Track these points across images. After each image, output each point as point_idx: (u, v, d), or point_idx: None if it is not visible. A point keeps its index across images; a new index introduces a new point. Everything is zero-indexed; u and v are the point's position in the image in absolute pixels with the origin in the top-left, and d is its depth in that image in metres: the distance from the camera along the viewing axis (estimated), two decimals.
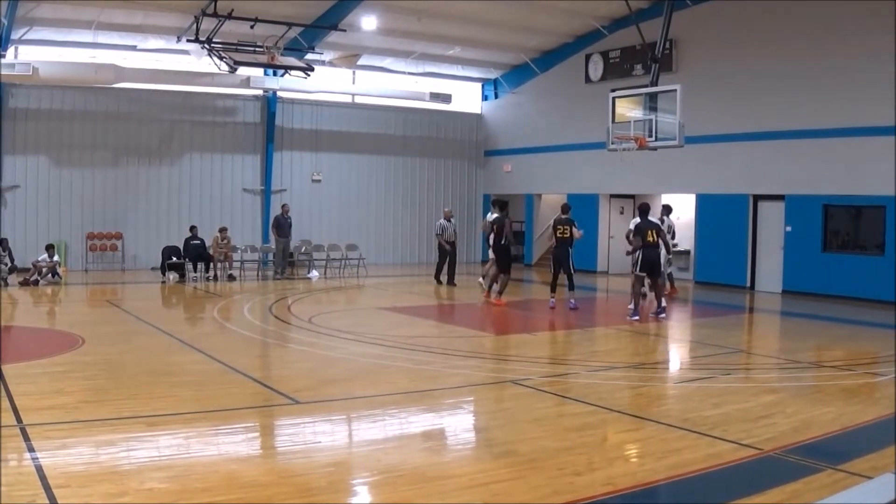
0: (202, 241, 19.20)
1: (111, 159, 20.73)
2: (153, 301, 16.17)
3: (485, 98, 26.45)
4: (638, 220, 13.52)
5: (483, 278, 16.38)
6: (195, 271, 19.09)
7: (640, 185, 20.48)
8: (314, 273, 20.67)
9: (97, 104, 20.36)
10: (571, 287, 14.34)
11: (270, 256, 21.32)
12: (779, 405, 7.53)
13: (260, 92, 22.02)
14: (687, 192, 19.63)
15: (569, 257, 14.21)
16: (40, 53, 19.35)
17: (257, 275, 20.28)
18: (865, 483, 4.97)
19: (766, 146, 17.74)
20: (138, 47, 20.52)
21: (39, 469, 5.26)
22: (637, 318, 13.01)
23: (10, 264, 17.23)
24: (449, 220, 19.00)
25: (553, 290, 14.43)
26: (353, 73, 23.63)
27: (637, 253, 13.10)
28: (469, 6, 19.30)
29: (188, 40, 17.75)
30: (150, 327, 11.95)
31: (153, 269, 20.44)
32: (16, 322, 12.77)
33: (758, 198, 18.17)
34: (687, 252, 19.84)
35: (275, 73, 20.89)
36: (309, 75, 19.14)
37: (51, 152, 20.03)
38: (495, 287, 15.26)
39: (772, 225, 17.80)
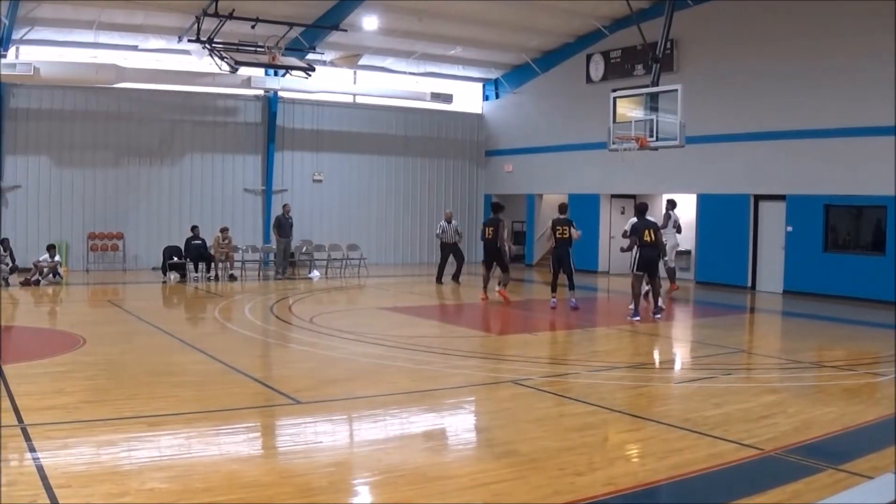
0: (203, 241, 19.21)
1: (112, 159, 20.75)
2: (154, 301, 16.18)
3: (486, 98, 26.45)
4: (635, 219, 13.52)
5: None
6: (196, 271, 19.09)
7: (641, 185, 20.48)
8: (315, 273, 20.68)
9: (98, 104, 20.37)
10: (572, 287, 14.36)
11: (271, 256, 21.33)
12: (780, 405, 7.52)
13: (261, 92, 22.03)
14: (688, 192, 19.61)
15: (569, 257, 14.25)
16: (41, 53, 19.36)
17: (258, 275, 20.29)
18: (866, 483, 4.97)
19: (767, 146, 17.74)
20: (139, 47, 20.53)
21: (40, 469, 5.26)
22: (638, 318, 13.01)
23: (11, 264, 17.25)
24: (449, 222, 19.15)
25: (553, 290, 14.44)
26: (354, 73, 23.64)
27: (635, 252, 13.11)
28: (470, 6, 19.30)
29: (189, 40, 17.78)
30: (151, 327, 11.96)
31: (154, 269, 20.46)
32: (17, 322, 12.78)
33: (759, 198, 18.16)
34: (688, 252, 19.84)
35: (276, 73, 20.89)
36: (310, 75, 19.15)
37: (52, 152, 20.04)
38: (493, 285, 15.67)
39: (773, 225, 17.79)
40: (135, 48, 20.51)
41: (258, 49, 18.03)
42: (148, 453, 5.77)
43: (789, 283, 17.30)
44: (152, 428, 6.43)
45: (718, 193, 18.79)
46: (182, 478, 5.24)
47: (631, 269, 13.35)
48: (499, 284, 15.64)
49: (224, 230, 19.54)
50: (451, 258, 19.24)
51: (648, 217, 13.58)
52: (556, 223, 14.32)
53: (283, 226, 20.10)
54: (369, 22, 19.74)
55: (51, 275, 17.50)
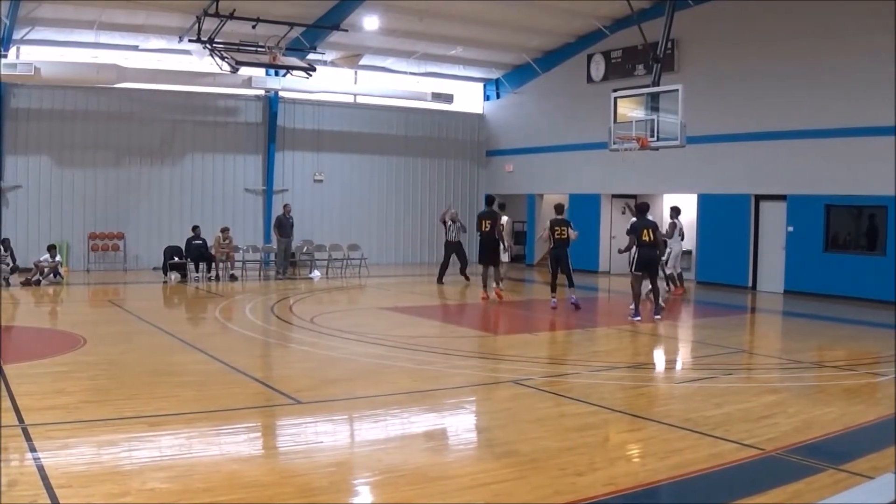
0: (204, 241, 19.21)
1: (113, 159, 20.76)
2: (155, 301, 16.18)
3: (486, 98, 26.45)
4: (635, 219, 13.52)
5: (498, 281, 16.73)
6: (197, 271, 19.10)
7: (642, 185, 20.48)
8: (316, 273, 20.68)
9: (99, 104, 20.38)
10: (571, 284, 14.42)
11: (272, 256, 21.33)
12: (780, 405, 7.52)
13: (262, 92, 22.04)
14: (689, 192, 19.62)
15: (567, 258, 14.30)
16: (42, 53, 19.36)
17: (259, 275, 20.30)
18: (867, 483, 4.97)
19: (768, 146, 17.73)
20: (140, 47, 20.53)
21: (41, 469, 5.26)
22: (639, 318, 13.01)
23: (11, 264, 17.25)
24: (454, 221, 19.17)
25: (553, 290, 14.45)
26: (355, 73, 23.64)
27: (633, 252, 13.10)
28: (471, 6, 19.30)
29: (190, 40, 17.78)
30: (152, 327, 11.96)
31: (155, 269, 20.46)
32: (18, 322, 12.79)
33: (759, 198, 18.16)
34: (689, 252, 19.83)
35: (276, 73, 20.90)
36: (311, 75, 19.15)
37: (53, 152, 20.06)
38: (492, 284, 15.68)
39: (773, 225, 17.79)
40: (135, 48, 20.52)
41: (259, 49, 18.03)
42: (149, 453, 5.77)
43: (790, 283, 17.29)
44: (153, 428, 6.43)
45: (719, 193, 18.78)
46: (183, 478, 5.24)
47: (630, 269, 13.36)
48: (494, 283, 15.73)
49: (225, 230, 19.55)
50: (453, 258, 19.28)
51: (648, 217, 13.58)
52: (554, 224, 14.34)
53: (284, 226, 20.10)
54: (370, 22, 19.74)
55: (51, 275, 17.51)
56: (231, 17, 16.85)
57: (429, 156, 25.38)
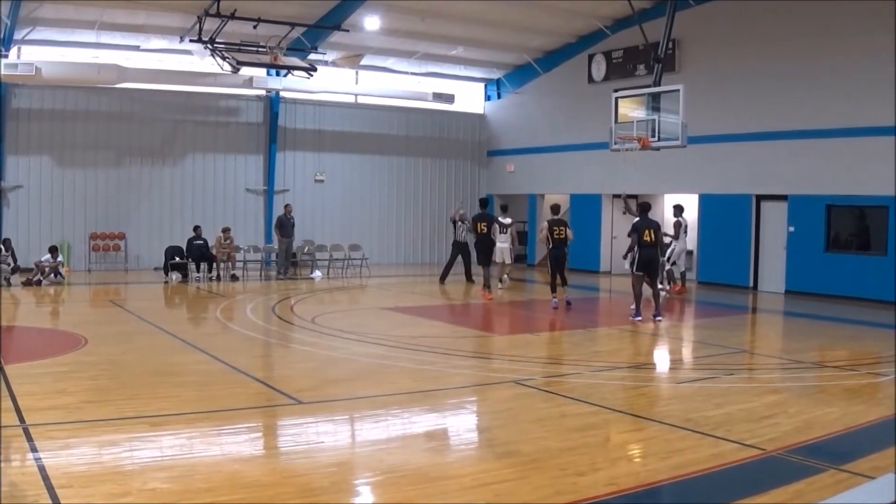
0: (205, 241, 19.22)
1: (114, 159, 20.77)
2: (156, 301, 16.19)
3: (487, 98, 26.45)
4: (637, 219, 13.50)
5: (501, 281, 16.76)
6: (198, 271, 19.11)
7: (643, 185, 20.44)
8: (317, 273, 20.68)
9: (100, 104, 20.39)
10: (564, 283, 14.56)
11: (273, 257, 21.34)
12: (782, 405, 7.52)
13: (263, 92, 22.05)
14: (690, 192, 19.61)
15: (566, 258, 14.34)
16: (43, 54, 19.37)
17: (260, 275, 20.31)
18: (868, 483, 4.97)
19: (769, 146, 17.72)
20: (141, 47, 20.54)
21: (42, 469, 5.26)
22: (639, 318, 13.00)
23: (12, 264, 17.27)
24: (462, 221, 19.16)
25: (553, 290, 14.46)
26: (356, 73, 23.64)
27: (634, 252, 13.09)
28: (472, 6, 19.31)
29: (191, 40, 17.78)
30: (153, 327, 11.97)
31: (156, 269, 20.47)
32: (19, 322, 12.80)
33: (760, 198, 18.15)
34: (690, 252, 19.81)
35: (278, 74, 20.90)
36: (312, 75, 19.15)
37: (54, 152, 20.07)
38: (495, 283, 15.98)
39: (774, 225, 17.78)
40: (136, 48, 20.52)
41: (260, 49, 18.03)
42: (150, 453, 5.77)
43: (791, 283, 17.28)
44: (154, 428, 6.44)
45: (720, 193, 18.78)
46: (184, 478, 5.25)
47: (630, 269, 13.35)
48: (483, 283, 15.85)
49: (226, 230, 19.56)
50: (458, 258, 19.27)
51: (650, 216, 13.57)
52: (551, 224, 14.36)
53: (285, 226, 20.11)
54: (371, 22, 19.75)
55: (52, 275, 17.52)
56: (232, 17, 16.85)
57: (430, 156, 25.38)
